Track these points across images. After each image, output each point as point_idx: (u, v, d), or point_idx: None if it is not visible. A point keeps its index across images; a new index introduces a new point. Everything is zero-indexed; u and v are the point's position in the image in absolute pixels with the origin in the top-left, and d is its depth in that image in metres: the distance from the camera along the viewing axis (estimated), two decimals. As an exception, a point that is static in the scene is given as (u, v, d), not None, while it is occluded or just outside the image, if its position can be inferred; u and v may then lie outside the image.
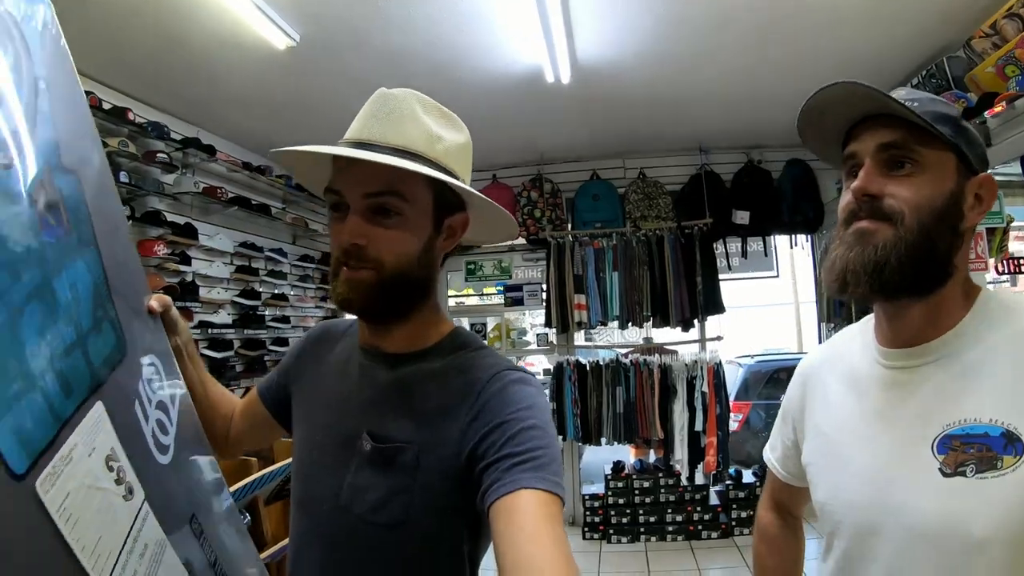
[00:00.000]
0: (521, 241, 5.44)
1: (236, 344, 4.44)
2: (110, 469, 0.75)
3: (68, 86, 0.85)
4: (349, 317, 1.00)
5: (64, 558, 0.63)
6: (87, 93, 3.11)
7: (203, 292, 4.15)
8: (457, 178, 0.90)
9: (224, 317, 4.43)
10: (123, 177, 3.51)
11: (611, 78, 3.81)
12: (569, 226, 5.36)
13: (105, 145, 3.23)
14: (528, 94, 3.97)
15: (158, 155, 3.76)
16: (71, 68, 0.86)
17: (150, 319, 1.02)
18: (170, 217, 3.93)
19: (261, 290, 4.76)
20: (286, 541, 1.82)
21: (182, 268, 3.97)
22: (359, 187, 0.87)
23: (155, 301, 1.05)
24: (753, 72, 3.79)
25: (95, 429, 0.74)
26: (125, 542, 0.74)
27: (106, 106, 3.48)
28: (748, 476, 5.02)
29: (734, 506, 4.86)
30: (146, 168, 3.73)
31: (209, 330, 4.19)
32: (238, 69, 3.56)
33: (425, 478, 0.86)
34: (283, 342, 4.87)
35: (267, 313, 4.82)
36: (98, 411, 0.76)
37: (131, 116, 3.60)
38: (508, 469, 0.77)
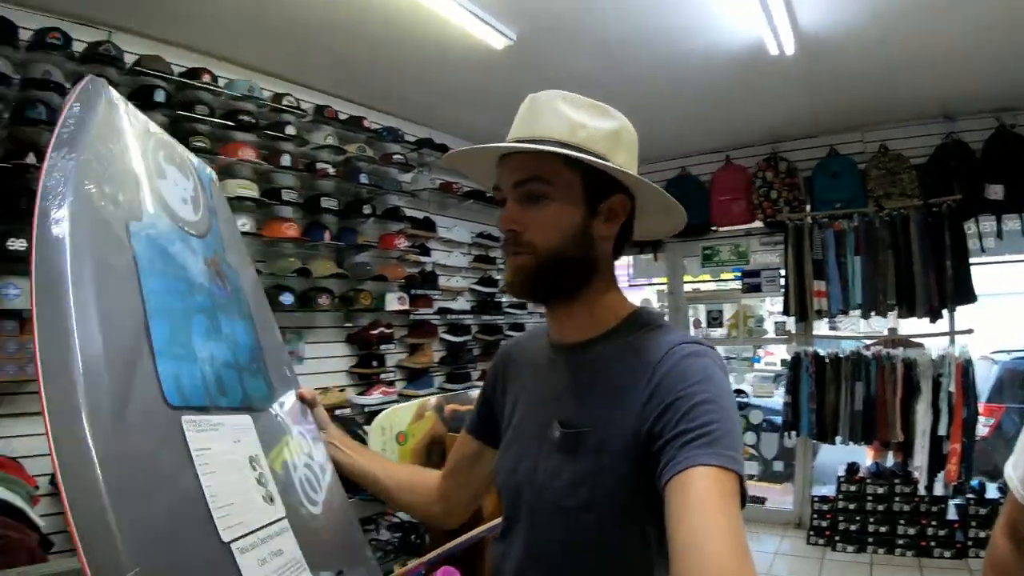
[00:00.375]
0: (758, 224, 5.18)
1: (474, 329, 4.75)
2: (253, 467, 0.88)
3: (230, 222, 1.19)
4: (530, 328, 1.07)
5: (193, 486, 0.73)
6: (323, 107, 3.67)
7: (442, 280, 4.49)
8: (606, 161, 0.92)
9: (463, 304, 4.77)
10: (363, 178, 3.91)
11: (839, 43, 3.47)
12: (808, 207, 4.97)
13: (343, 152, 3.69)
14: (752, 70, 3.75)
15: (394, 156, 4.15)
16: (230, 212, 1.21)
17: (300, 405, 1.19)
18: (409, 212, 4.30)
19: (498, 278, 4.99)
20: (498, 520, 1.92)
21: (422, 259, 4.35)
22: (510, 178, 0.95)
23: (307, 391, 1.23)
24: (1001, 23, 3.24)
25: (243, 430, 0.90)
26: (257, 530, 0.81)
27: (343, 116, 3.88)
28: (992, 491, 4.35)
29: (973, 524, 4.27)
30: (384, 169, 4.14)
31: (448, 316, 4.52)
32: (461, 71, 3.72)
33: (609, 461, 0.87)
34: (519, 327, 5.08)
35: (504, 300, 5.04)
36: (247, 421, 0.92)
37: (366, 123, 4.02)
38: (682, 447, 0.77)
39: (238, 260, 1.13)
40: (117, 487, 0.61)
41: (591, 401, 0.93)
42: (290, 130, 3.52)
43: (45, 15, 2.75)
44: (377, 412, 2.08)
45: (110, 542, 0.58)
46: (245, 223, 3.31)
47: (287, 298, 3.43)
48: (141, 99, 2.90)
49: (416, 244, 4.30)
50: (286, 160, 3.54)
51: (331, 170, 3.72)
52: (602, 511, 0.88)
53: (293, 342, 3.62)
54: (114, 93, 0.91)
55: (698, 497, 0.72)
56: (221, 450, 0.81)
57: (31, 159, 2.54)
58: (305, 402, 1.22)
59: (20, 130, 2.63)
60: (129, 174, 0.86)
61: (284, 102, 3.53)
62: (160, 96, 2.97)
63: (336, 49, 3.42)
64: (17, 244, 2.50)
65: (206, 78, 3.16)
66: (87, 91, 0.84)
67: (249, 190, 3.31)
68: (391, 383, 4.08)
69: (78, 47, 2.77)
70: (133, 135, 0.90)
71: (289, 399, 1.15)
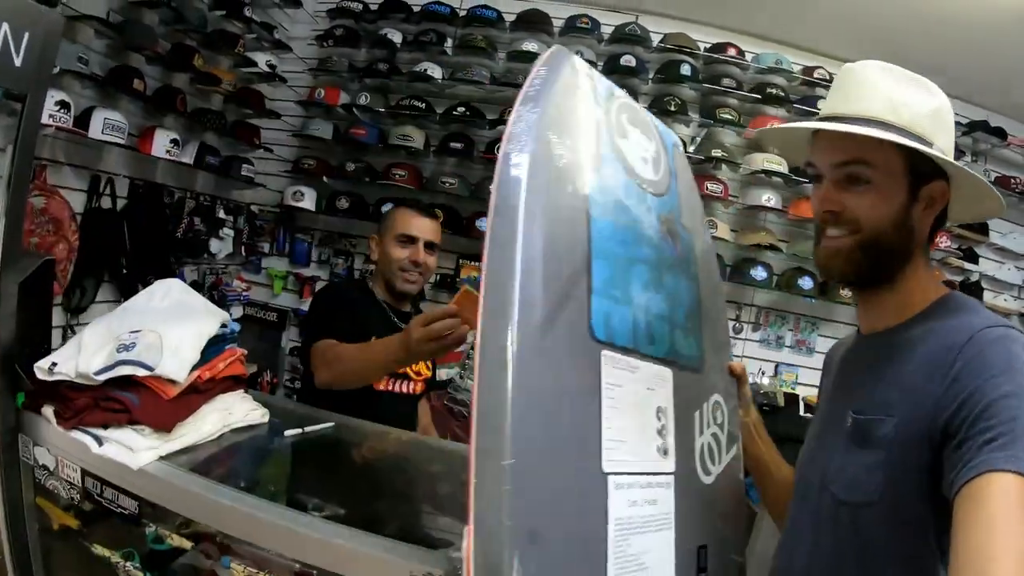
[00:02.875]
0: None
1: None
2: (658, 418, 0.89)
3: (690, 187, 1.20)
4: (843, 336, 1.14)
5: (592, 413, 0.77)
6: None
7: (988, 297, 3.83)
8: (929, 144, 0.87)
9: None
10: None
11: None
12: None
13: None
14: None
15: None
16: (691, 178, 1.23)
17: (728, 377, 1.16)
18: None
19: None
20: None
21: (967, 266, 3.78)
22: (829, 158, 0.93)
23: (737, 365, 1.18)
24: None
25: (660, 381, 0.92)
26: (640, 475, 0.83)
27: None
28: None
29: None
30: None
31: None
32: (1014, 37, 3.13)
33: (899, 452, 0.81)
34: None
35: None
36: (667, 373, 0.93)
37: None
38: (978, 449, 0.69)
39: (694, 224, 1.16)
40: (520, 383, 0.67)
41: (886, 386, 0.88)
42: (822, 103, 3.36)
43: (576, 5, 3.42)
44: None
45: (500, 422, 0.66)
46: (770, 198, 3.39)
47: (806, 282, 3.41)
48: (667, 73, 3.27)
49: (963, 247, 3.74)
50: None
51: (865, 148, 3.47)
52: (884, 508, 0.82)
53: (806, 332, 3.63)
54: (578, 60, 0.97)
55: (986, 507, 0.66)
56: (631, 391, 0.84)
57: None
58: (734, 375, 1.19)
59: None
60: (587, 129, 0.92)
61: (815, 75, 3.51)
62: (686, 70, 3.29)
63: (871, 20, 3.24)
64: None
65: (731, 52, 3.35)
66: (554, 57, 0.93)
67: (777, 164, 3.37)
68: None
69: (606, 30, 3.34)
70: (594, 97, 0.96)
71: (718, 367, 1.14)
